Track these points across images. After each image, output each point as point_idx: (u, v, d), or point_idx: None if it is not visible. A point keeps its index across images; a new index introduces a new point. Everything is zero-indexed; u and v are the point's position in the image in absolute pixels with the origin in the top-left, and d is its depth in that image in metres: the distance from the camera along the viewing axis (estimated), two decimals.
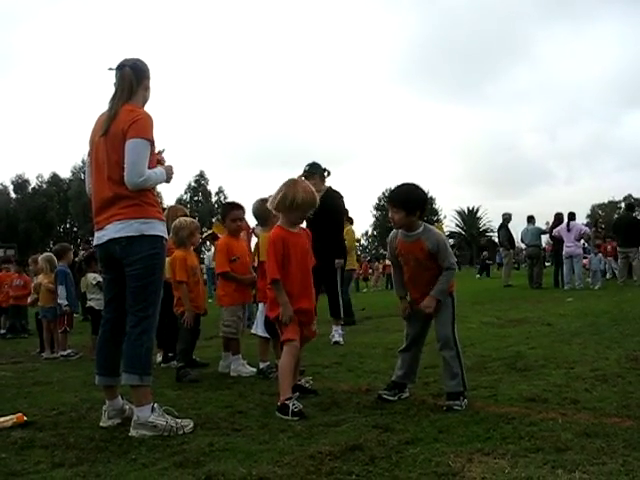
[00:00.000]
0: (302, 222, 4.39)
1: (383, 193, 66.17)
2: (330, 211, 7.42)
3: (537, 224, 17.34)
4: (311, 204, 4.24)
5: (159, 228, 3.81)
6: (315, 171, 7.62)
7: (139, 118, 3.71)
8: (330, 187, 7.79)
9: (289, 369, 4.04)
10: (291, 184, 4.23)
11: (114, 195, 3.74)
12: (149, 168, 3.75)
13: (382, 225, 66.59)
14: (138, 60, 3.95)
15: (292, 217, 4.23)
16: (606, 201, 76.25)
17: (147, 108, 3.94)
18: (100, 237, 3.84)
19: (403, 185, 4.14)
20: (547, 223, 19.91)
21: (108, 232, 3.77)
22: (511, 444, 3.04)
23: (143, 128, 3.70)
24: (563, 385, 4.27)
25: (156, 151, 3.89)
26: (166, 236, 3.91)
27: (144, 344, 3.74)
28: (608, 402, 3.75)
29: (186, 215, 6.70)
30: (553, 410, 3.63)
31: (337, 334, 7.37)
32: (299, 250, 4.20)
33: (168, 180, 3.98)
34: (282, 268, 4.10)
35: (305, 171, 7.62)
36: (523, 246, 18.56)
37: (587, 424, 3.29)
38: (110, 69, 3.91)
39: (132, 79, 3.84)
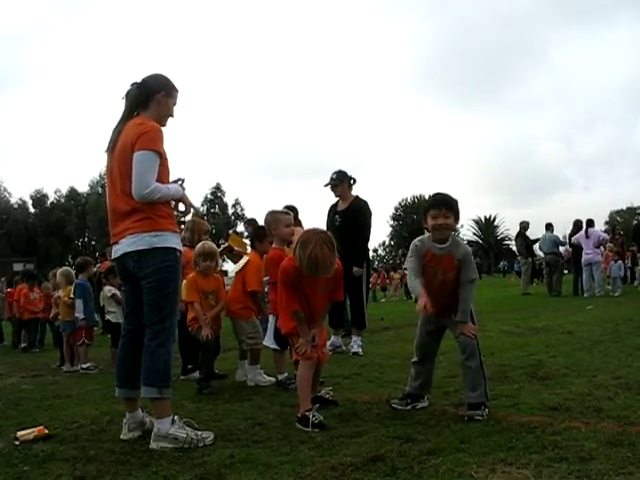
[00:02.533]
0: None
1: (400, 203, 66.19)
2: (356, 219, 7.45)
3: (555, 232, 17.22)
4: (318, 270, 3.97)
5: (171, 240, 3.81)
6: (343, 179, 7.66)
7: (147, 130, 3.72)
8: (357, 196, 7.79)
9: (307, 380, 4.03)
10: (302, 243, 3.99)
11: (127, 208, 3.76)
12: (161, 181, 3.75)
13: (399, 235, 66.49)
14: (151, 76, 3.97)
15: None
16: (624, 207, 75.62)
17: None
18: (116, 251, 3.88)
19: (444, 193, 4.14)
20: (565, 237, 19.74)
21: (122, 246, 3.80)
22: (534, 454, 3.01)
23: (151, 140, 3.71)
24: (585, 394, 4.22)
25: (175, 178, 3.93)
26: (180, 248, 3.89)
27: (162, 357, 3.74)
28: (632, 410, 3.70)
29: (208, 231, 6.78)
30: (576, 419, 3.60)
31: (356, 345, 7.33)
32: (312, 281, 4.12)
33: (182, 197, 3.99)
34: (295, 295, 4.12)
35: (332, 179, 7.65)
36: (541, 254, 18.31)
37: (611, 433, 3.25)
38: (123, 98, 3.96)
39: (137, 95, 3.90)
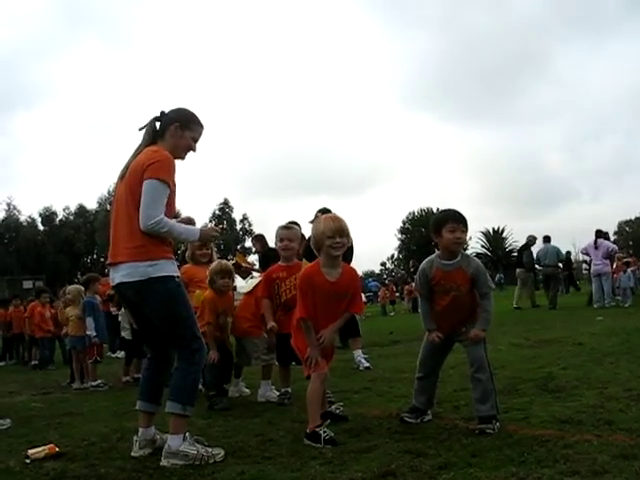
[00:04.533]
0: (337, 254, 4.05)
1: (407, 217, 66.15)
2: None
3: (564, 243, 17.12)
4: (333, 230, 4.02)
5: (167, 268, 3.76)
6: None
7: (159, 159, 3.71)
8: None
9: (317, 396, 4.00)
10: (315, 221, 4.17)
11: (124, 231, 3.76)
12: (168, 213, 3.76)
13: (408, 248, 66.39)
14: (173, 109, 3.98)
15: (323, 253, 4.08)
16: (633, 217, 75.32)
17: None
18: (113, 278, 3.87)
19: (449, 209, 4.18)
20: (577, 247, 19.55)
21: (118, 275, 3.78)
22: (546, 467, 2.99)
23: (161, 169, 3.70)
24: (597, 406, 4.19)
25: (184, 217, 3.96)
26: (176, 273, 3.86)
27: (191, 375, 3.76)
28: None
29: (205, 245, 6.67)
30: (588, 432, 3.57)
31: (363, 359, 7.33)
32: (326, 292, 4.05)
33: (201, 239, 4.11)
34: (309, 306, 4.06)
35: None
36: (538, 267, 17.77)
37: (624, 445, 3.22)
38: (140, 129, 3.98)
39: (153, 127, 3.94)
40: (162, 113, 3.96)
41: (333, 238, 3.99)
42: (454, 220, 4.02)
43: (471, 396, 4.07)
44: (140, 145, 3.93)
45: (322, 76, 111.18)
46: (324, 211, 7.35)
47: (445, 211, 4.22)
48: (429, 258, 4.19)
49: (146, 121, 3.97)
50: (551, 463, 3.05)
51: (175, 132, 3.90)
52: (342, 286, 4.09)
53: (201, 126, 4.02)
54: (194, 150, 4.01)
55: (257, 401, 5.63)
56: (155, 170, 3.68)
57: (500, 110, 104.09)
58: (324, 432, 3.78)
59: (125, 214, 3.78)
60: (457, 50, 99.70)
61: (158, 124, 3.95)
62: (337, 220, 4.10)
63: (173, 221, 3.82)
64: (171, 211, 3.82)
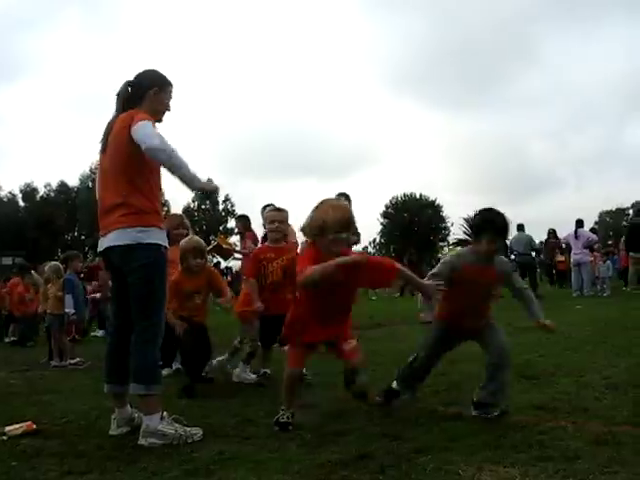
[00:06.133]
0: (338, 248, 3.57)
1: (390, 201, 66.18)
2: None
3: (544, 232, 17.23)
4: (339, 223, 3.57)
5: (157, 236, 3.78)
6: None
7: (142, 117, 3.66)
8: None
9: (289, 386, 3.87)
10: (319, 205, 3.69)
11: (115, 202, 3.74)
12: (153, 177, 3.76)
13: (390, 233, 66.41)
14: (143, 73, 3.96)
15: (323, 243, 3.61)
16: (614, 208, 75.95)
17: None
18: (101, 244, 3.87)
19: (498, 212, 3.92)
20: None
21: (107, 240, 3.79)
22: (521, 453, 3.04)
23: (146, 118, 3.66)
24: (573, 393, 4.25)
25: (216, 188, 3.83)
26: (165, 244, 3.86)
27: (149, 353, 3.74)
28: (618, 410, 3.74)
29: (182, 225, 6.58)
30: (563, 418, 3.63)
31: None
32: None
33: (199, 188, 3.74)
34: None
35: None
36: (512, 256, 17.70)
37: (598, 432, 3.28)
38: (117, 95, 3.94)
39: (130, 93, 3.90)
40: (137, 77, 3.93)
41: (339, 233, 3.57)
42: (498, 234, 3.87)
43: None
44: (115, 113, 3.88)
45: (313, 59, 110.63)
46: (345, 196, 7.31)
47: (489, 214, 3.94)
48: (460, 252, 4.05)
49: (118, 87, 3.93)
50: (526, 448, 3.10)
51: (155, 97, 3.89)
52: (347, 270, 3.57)
53: (171, 85, 4.02)
54: (170, 110, 4.02)
55: (236, 382, 5.63)
56: (140, 117, 3.64)
57: (486, 97, 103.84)
58: (283, 414, 3.77)
59: (113, 183, 3.76)
60: (445, 36, 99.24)
61: (130, 89, 3.91)
62: (345, 211, 3.68)
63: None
64: (157, 180, 3.82)
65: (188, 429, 3.66)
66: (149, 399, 3.71)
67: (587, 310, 10.82)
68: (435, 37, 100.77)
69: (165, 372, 5.61)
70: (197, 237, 5.95)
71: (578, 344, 6.57)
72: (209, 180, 3.75)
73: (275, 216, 5.56)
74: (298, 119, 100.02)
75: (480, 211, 3.98)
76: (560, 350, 6.24)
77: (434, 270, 3.98)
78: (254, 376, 5.64)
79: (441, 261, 4.12)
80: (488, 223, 3.86)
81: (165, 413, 3.71)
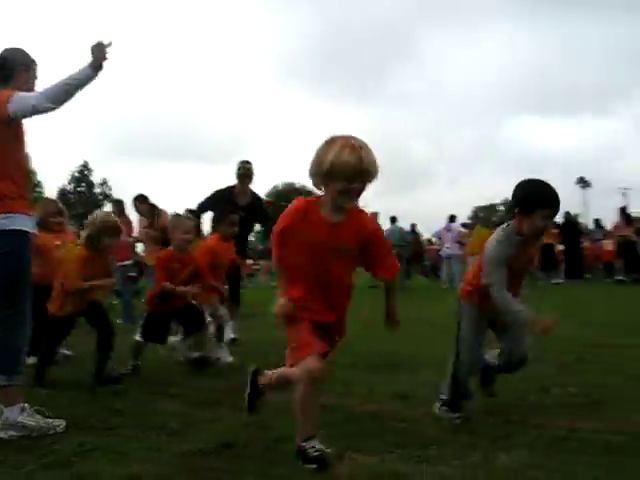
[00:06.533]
0: (347, 205, 2.91)
1: (271, 190, 66.30)
2: (257, 214, 7.60)
3: (419, 226, 17.84)
4: (351, 169, 2.78)
5: (21, 222, 3.62)
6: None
7: (11, 94, 3.54)
8: (252, 190, 7.70)
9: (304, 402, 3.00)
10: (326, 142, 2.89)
11: None
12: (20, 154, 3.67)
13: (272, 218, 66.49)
14: (8, 50, 3.80)
15: (330, 188, 2.88)
16: (488, 204, 79.50)
17: None
18: None
19: (547, 183, 3.46)
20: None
21: None
22: (380, 441, 3.18)
23: (14, 93, 3.55)
24: (433, 382, 4.44)
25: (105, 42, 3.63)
26: (31, 230, 3.72)
27: (10, 342, 3.60)
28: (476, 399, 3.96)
29: (58, 211, 6.10)
30: (422, 407, 3.82)
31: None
32: (319, 240, 2.92)
33: (95, 70, 3.57)
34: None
35: (248, 169, 7.47)
36: None
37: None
38: None
39: None
40: (2, 57, 3.77)
41: (348, 182, 2.82)
42: (555, 206, 3.41)
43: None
44: None
45: (198, 44, 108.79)
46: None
47: (543, 188, 3.45)
48: (504, 227, 3.56)
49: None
50: (385, 436, 3.25)
51: (24, 77, 3.77)
52: (344, 234, 2.95)
53: (36, 64, 3.90)
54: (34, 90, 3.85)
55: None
56: (9, 95, 3.51)
57: (369, 92, 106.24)
58: (311, 447, 2.88)
59: None
60: (332, 30, 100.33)
61: None
62: (361, 154, 2.80)
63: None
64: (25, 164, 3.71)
65: (50, 420, 3.56)
66: (9, 390, 3.57)
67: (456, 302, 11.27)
68: (325, 31, 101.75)
69: (30, 361, 5.38)
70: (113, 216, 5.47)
71: (441, 334, 6.85)
72: (97, 45, 3.57)
73: (188, 226, 5.45)
74: (177, 104, 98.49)
75: (525, 183, 3.53)
76: (426, 340, 6.52)
77: (495, 259, 3.46)
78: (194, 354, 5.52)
79: (495, 245, 3.50)
80: (542, 194, 3.40)
81: (26, 405, 3.59)
